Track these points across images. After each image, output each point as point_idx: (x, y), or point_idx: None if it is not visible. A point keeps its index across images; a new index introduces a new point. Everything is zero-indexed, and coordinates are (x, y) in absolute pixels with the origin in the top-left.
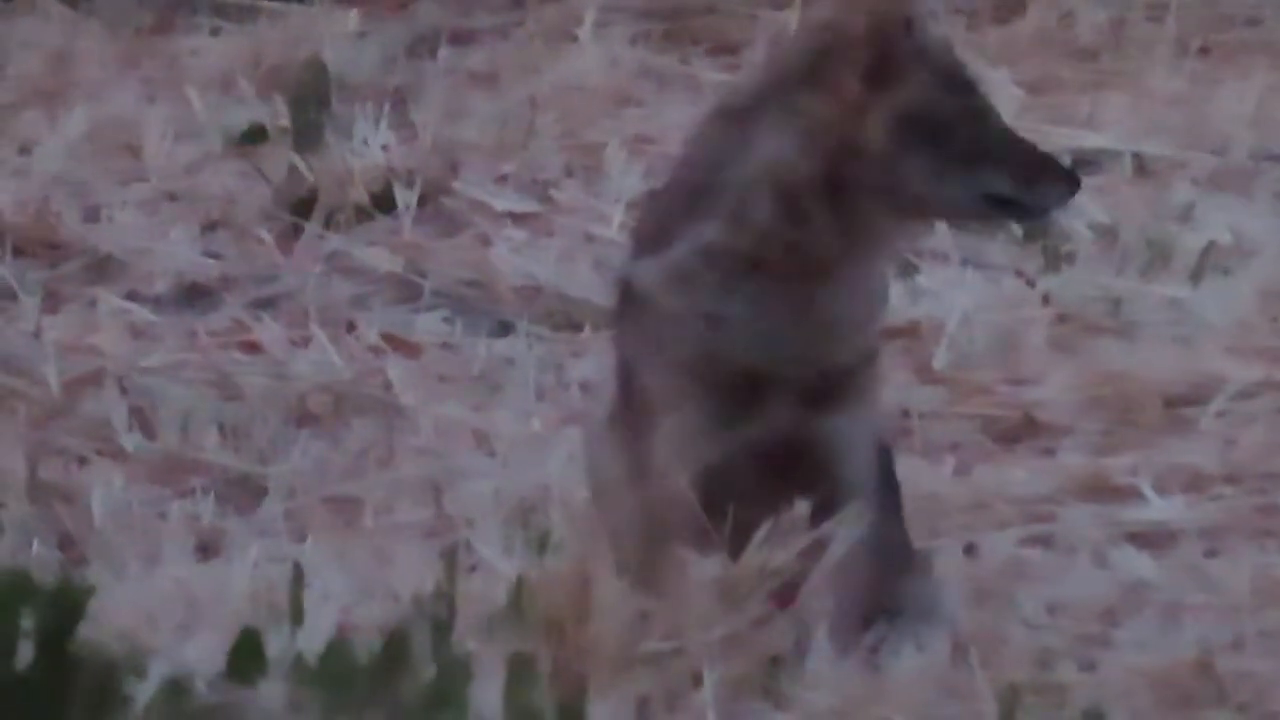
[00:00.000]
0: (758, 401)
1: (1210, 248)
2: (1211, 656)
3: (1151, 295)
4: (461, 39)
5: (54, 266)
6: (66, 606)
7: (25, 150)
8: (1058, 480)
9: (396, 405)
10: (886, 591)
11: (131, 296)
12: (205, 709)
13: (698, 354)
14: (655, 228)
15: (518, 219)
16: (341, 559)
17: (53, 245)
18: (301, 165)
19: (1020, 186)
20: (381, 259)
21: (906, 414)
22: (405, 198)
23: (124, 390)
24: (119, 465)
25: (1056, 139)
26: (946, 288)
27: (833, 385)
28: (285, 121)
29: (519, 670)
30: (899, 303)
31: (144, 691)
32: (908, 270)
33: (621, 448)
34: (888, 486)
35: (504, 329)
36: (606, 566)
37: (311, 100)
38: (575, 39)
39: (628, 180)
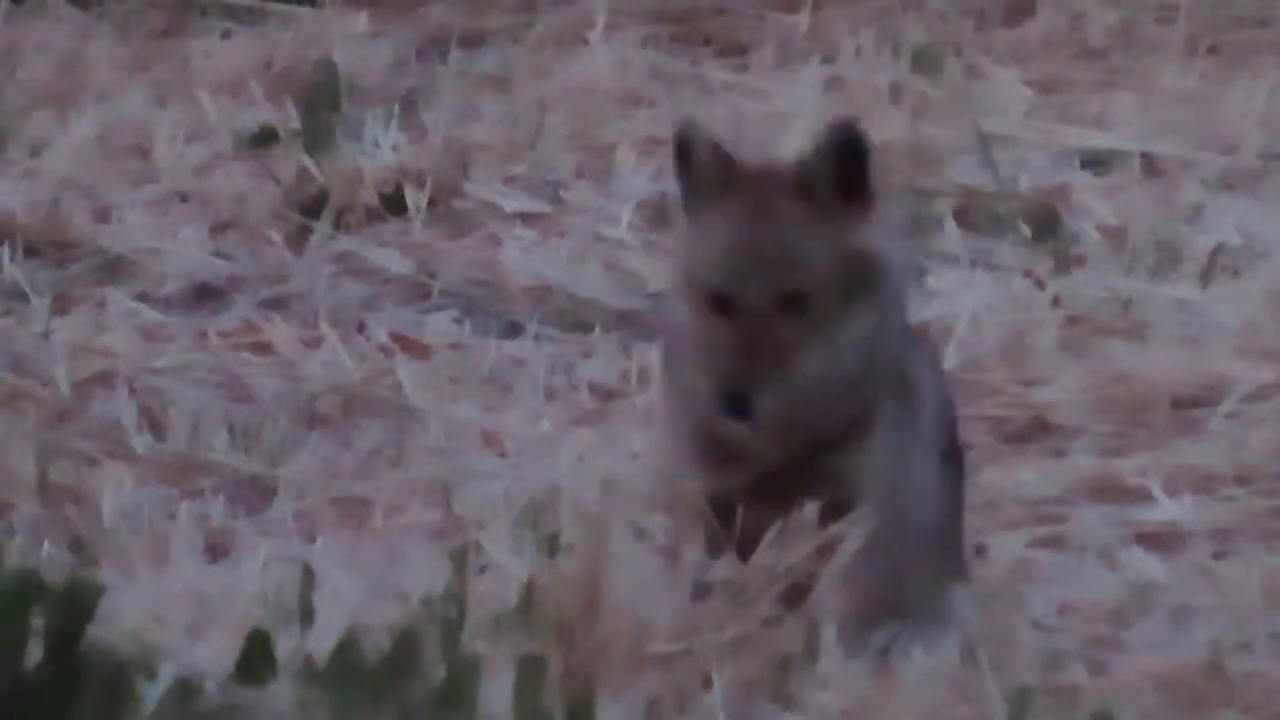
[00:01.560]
0: (745, 448)
1: (1220, 249)
2: (1221, 658)
3: (1161, 296)
4: (472, 41)
5: (64, 267)
6: (77, 607)
7: (36, 152)
8: (1067, 481)
9: (406, 406)
10: (913, 593)
11: (142, 297)
12: (215, 709)
13: (685, 388)
14: None
15: (528, 220)
16: (351, 560)
17: (63, 246)
18: (312, 167)
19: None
20: (392, 260)
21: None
22: (415, 199)
23: (134, 391)
24: (129, 466)
25: (1066, 139)
26: (956, 289)
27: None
28: (296, 123)
29: (529, 671)
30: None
31: (154, 692)
32: (918, 272)
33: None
34: (952, 489)
35: (514, 330)
36: (616, 567)
37: (322, 102)
38: (585, 41)
39: (638, 181)
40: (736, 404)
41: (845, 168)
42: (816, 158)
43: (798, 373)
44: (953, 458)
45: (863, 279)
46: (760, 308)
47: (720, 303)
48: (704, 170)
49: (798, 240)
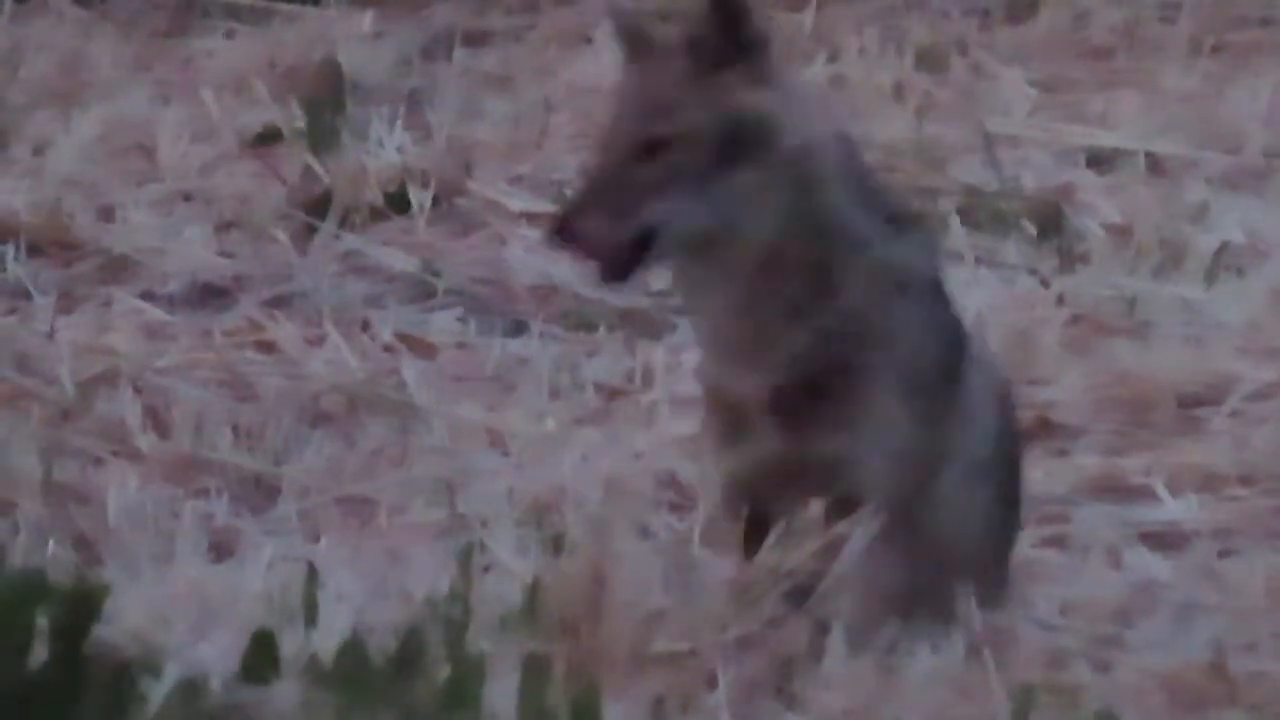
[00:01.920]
0: (745, 418)
1: (1224, 248)
2: (1224, 657)
3: (1165, 295)
4: (476, 41)
5: (68, 266)
6: (81, 607)
7: (39, 151)
8: (1071, 481)
9: (411, 405)
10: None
11: (146, 296)
12: (219, 709)
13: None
14: None
15: (532, 219)
16: (355, 559)
17: (67, 245)
18: (316, 166)
19: None
20: (396, 259)
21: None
22: (420, 198)
23: (138, 390)
24: (133, 465)
25: (1070, 137)
26: (961, 287)
27: (797, 404)
28: (300, 123)
29: (533, 670)
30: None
31: (158, 692)
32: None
33: None
34: (1002, 509)
35: (518, 328)
36: (620, 567)
37: (326, 101)
38: (589, 40)
39: None
40: (562, 229)
41: (726, 28)
42: (699, 22)
43: (659, 220)
44: (1008, 469)
45: (748, 138)
46: (620, 153)
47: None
48: (623, 47)
49: (661, 89)
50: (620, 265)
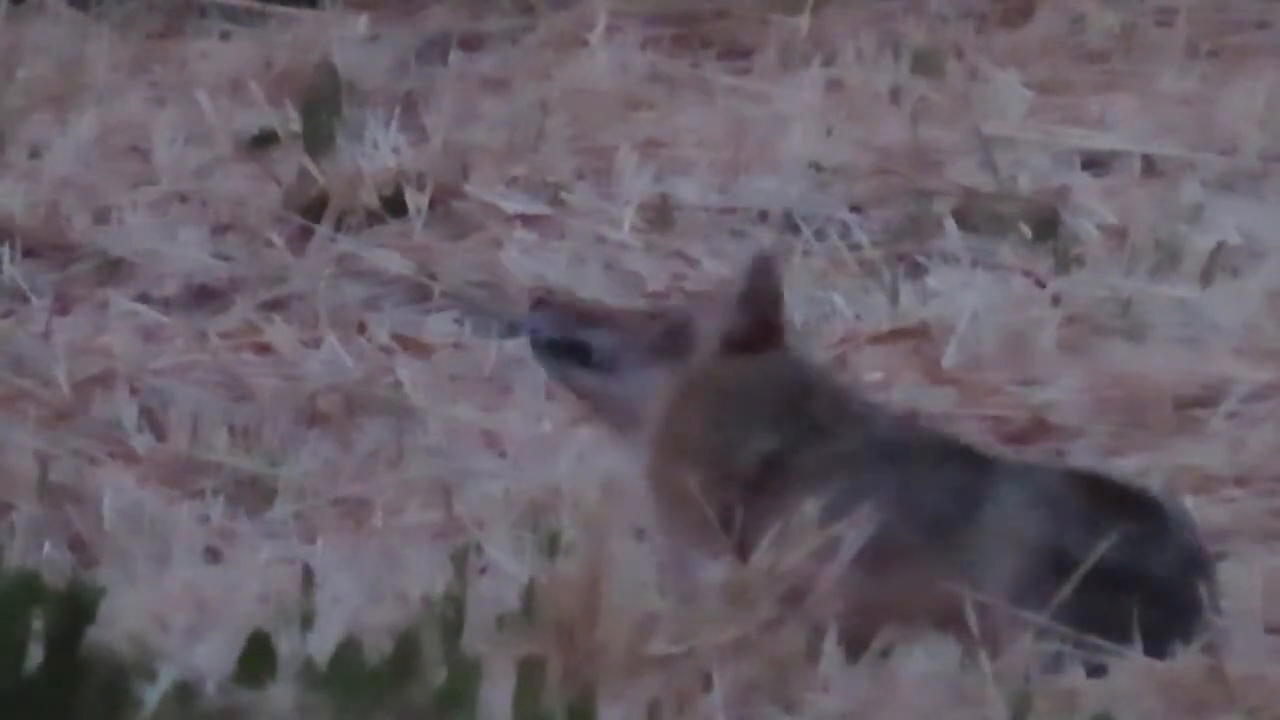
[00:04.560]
0: None
1: (1219, 249)
2: (1221, 660)
3: (1161, 296)
4: (472, 43)
5: (64, 268)
6: (77, 608)
7: (36, 153)
8: None
9: (407, 406)
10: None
11: (142, 298)
12: (215, 712)
13: None
14: None
15: (528, 221)
16: (351, 561)
17: (63, 247)
18: (312, 168)
19: None
20: (392, 261)
21: (916, 415)
22: (416, 200)
23: (134, 391)
24: (129, 466)
25: (1066, 139)
26: (956, 288)
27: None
28: (296, 125)
29: (529, 673)
30: (909, 303)
31: (153, 694)
32: (917, 271)
33: None
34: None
35: (514, 330)
36: (616, 569)
37: (322, 104)
38: (586, 43)
39: (638, 183)
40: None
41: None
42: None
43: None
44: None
45: (667, 339)
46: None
47: None
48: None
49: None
50: (542, 348)
